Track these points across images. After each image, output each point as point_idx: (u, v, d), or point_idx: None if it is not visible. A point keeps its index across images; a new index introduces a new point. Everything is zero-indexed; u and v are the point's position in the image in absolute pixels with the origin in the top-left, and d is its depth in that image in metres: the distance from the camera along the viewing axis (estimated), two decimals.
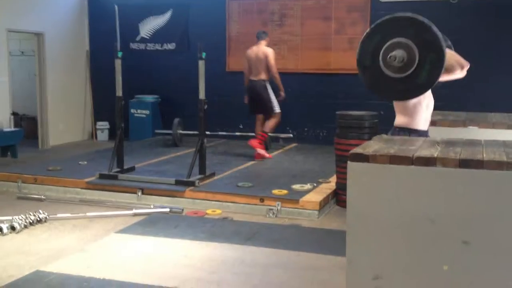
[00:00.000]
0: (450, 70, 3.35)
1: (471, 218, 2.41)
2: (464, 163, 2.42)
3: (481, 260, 2.41)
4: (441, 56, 2.95)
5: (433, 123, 4.38)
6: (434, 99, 3.85)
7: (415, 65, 2.97)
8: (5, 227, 4.93)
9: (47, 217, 5.31)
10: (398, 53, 2.96)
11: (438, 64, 2.96)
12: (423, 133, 3.64)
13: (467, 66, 3.47)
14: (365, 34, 3.13)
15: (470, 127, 4.26)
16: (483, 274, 2.41)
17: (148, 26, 10.09)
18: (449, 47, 3.89)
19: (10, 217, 5.14)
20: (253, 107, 8.08)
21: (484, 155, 2.51)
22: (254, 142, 7.77)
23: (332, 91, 9.07)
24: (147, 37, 10.13)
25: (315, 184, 6.16)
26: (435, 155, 2.51)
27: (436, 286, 2.49)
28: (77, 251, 4.51)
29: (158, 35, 10.04)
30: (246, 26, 9.57)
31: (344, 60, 8.98)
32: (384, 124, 7.56)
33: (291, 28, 9.35)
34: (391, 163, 2.54)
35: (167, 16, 9.97)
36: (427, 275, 2.50)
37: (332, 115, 6.58)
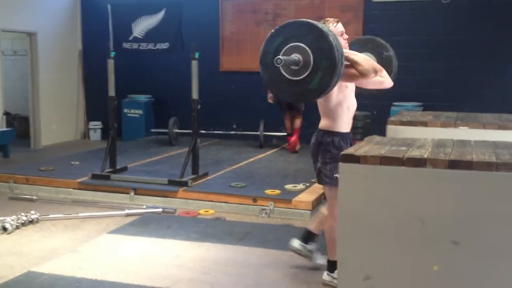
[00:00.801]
0: (364, 75, 3.44)
1: (461, 219, 2.43)
2: (454, 164, 2.44)
3: (471, 260, 2.43)
4: (333, 65, 3.03)
5: (424, 123, 4.41)
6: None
7: (309, 70, 3.06)
8: None
9: (39, 217, 5.30)
10: (295, 56, 3.06)
11: (330, 71, 3.04)
12: (346, 135, 3.71)
13: (380, 71, 3.57)
14: (269, 34, 3.24)
15: (461, 127, 4.28)
16: (473, 274, 2.43)
17: (141, 26, 10.07)
18: (388, 57, 4.08)
19: (1, 218, 5.12)
20: (287, 105, 8.34)
21: (474, 156, 2.53)
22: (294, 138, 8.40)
23: None
24: (140, 37, 10.10)
25: (307, 184, 6.17)
26: (425, 156, 2.52)
27: (427, 286, 2.51)
28: (69, 251, 4.50)
29: (151, 35, 10.02)
30: (240, 26, 9.57)
31: None
32: (377, 124, 7.62)
33: None
34: (382, 164, 2.56)
35: (160, 15, 9.95)
36: (418, 275, 2.52)
37: None
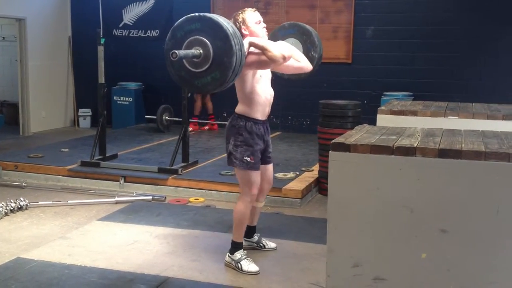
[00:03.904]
0: (274, 61, 3.59)
1: (449, 207, 2.45)
2: (443, 153, 2.46)
3: (458, 248, 2.45)
4: (230, 59, 3.10)
5: (414, 113, 4.43)
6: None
7: (208, 64, 3.14)
8: None
9: (28, 204, 5.28)
10: (196, 50, 3.13)
11: (226, 67, 3.12)
12: (259, 122, 3.85)
13: (289, 58, 3.68)
14: (175, 24, 3.31)
15: (450, 117, 4.30)
16: (460, 262, 2.46)
17: (132, 13, 9.96)
18: (312, 57, 4.28)
19: None
20: None
21: (463, 145, 2.54)
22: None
23: (316, 80, 9.06)
24: (131, 24, 10.00)
25: (297, 173, 6.19)
26: (415, 145, 2.54)
27: (414, 274, 2.53)
28: (59, 238, 4.49)
29: (142, 22, 9.91)
30: (231, 14, 9.45)
31: (328, 49, 8.95)
32: (367, 113, 7.64)
33: (276, 16, 9.30)
34: (372, 152, 2.57)
35: (151, 2, 9.84)
36: (406, 263, 2.54)
37: (315, 104, 6.61)
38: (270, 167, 4.16)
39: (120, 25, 10.06)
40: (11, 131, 9.50)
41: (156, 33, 9.83)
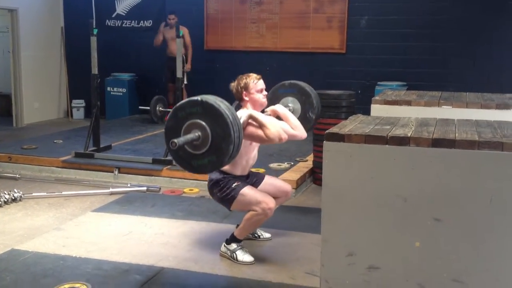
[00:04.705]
0: (270, 139, 3.64)
1: (443, 196, 2.46)
2: (437, 143, 2.46)
3: (452, 236, 2.46)
4: (227, 147, 3.12)
5: (408, 102, 4.44)
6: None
7: (206, 147, 3.15)
8: None
9: (22, 196, 5.27)
10: (195, 133, 3.15)
11: (224, 153, 3.13)
12: (240, 177, 3.89)
13: (284, 139, 3.71)
14: (172, 110, 3.32)
15: (444, 106, 4.31)
16: (454, 250, 2.47)
17: (125, 3, 9.92)
18: (310, 118, 4.31)
19: None
20: (171, 78, 8.61)
21: (457, 135, 2.55)
22: None
23: (310, 70, 9.07)
24: (123, 14, 9.96)
25: (292, 163, 6.20)
26: (409, 135, 2.55)
27: (408, 262, 2.55)
28: (53, 229, 4.49)
29: (135, 12, 9.88)
30: (224, 5, 9.47)
31: (323, 39, 8.97)
32: (361, 103, 7.65)
33: (269, 6, 9.28)
34: (366, 142, 2.57)
35: None
36: (400, 252, 2.55)
37: None
38: (268, 179, 4.17)
39: (113, 16, 10.02)
40: (4, 123, 9.45)
41: (149, 23, 9.80)
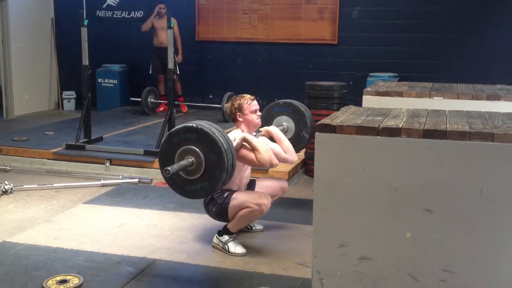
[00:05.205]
0: (261, 163, 3.72)
1: (434, 187, 2.47)
2: (428, 134, 2.47)
3: (442, 227, 2.48)
4: (221, 174, 3.20)
5: (399, 94, 4.45)
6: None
7: (200, 173, 3.22)
8: None
9: (13, 188, 5.24)
10: (188, 159, 3.21)
11: (217, 180, 3.21)
12: (233, 192, 3.88)
13: (275, 164, 3.81)
14: (167, 135, 3.36)
15: (436, 98, 4.33)
16: (444, 240, 2.49)
17: None
18: (303, 138, 4.44)
19: None
20: (162, 69, 8.60)
21: (448, 126, 2.56)
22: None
23: (302, 61, 9.06)
24: (114, 5, 9.89)
25: None
26: (400, 126, 2.55)
27: (400, 253, 2.56)
28: (44, 222, 4.47)
29: (125, 3, 9.81)
30: (216, 2, 9.42)
31: (314, 30, 8.95)
32: (353, 94, 7.66)
33: None
34: (358, 133, 2.58)
35: None
36: (391, 242, 2.57)
37: (302, 85, 6.60)
38: (262, 182, 4.20)
39: (104, 6, 9.95)
40: None
41: (140, 14, 9.74)
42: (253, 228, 4.30)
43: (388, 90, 4.57)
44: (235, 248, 3.87)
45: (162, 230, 4.32)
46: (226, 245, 3.88)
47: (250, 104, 3.93)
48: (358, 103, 4.29)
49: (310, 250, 2.73)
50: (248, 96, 3.98)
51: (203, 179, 3.21)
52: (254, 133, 4.04)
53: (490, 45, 8.23)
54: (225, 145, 3.18)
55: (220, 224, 4.04)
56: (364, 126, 2.58)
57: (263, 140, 4.00)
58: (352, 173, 2.58)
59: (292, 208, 4.90)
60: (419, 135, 2.48)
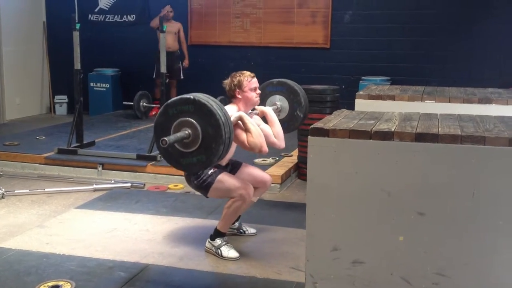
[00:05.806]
0: (251, 146, 3.66)
1: (426, 190, 2.48)
2: (420, 137, 2.48)
3: (435, 230, 2.48)
4: (218, 146, 3.12)
5: (391, 97, 4.46)
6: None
7: (197, 146, 3.13)
8: None
9: (4, 193, 5.21)
10: (185, 131, 3.12)
11: (214, 152, 3.13)
12: (217, 165, 3.84)
13: (265, 152, 3.73)
14: (163, 106, 3.26)
15: (428, 101, 4.34)
16: (437, 244, 2.49)
17: None
18: (297, 117, 4.39)
19: None
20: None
21: (440, 129, 2.57)
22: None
23: (294, 64, 9.08)
24: (106, 9, 9.87)
25: (277, 158, 6.20)
26: (393, 129, 2.56)
27: (392, 256, 2.56)
28: (36, 227, 4.44)
29: (118, 7, 9.80)
30: (208, 2, 9.43)
31: (307, 34, 8.98)
32: (345, 98, 7.67)
33: (253, 1, 9.25)
34: (351, 137, 2.58)
35: None
36: (384, 246, 2.57)
37: None
38: (246, 169, 4.15)
39: (96, 10, 9.94)
40: None
41: (133, 18, 9.73)
42: (246, 232, 4.29)
43: (381, 93, 4.59)
44: (228, 252, 3.86)
45: (155, 234, 4.30)
46: (219, 250, 3.87)
47: (250, 81, 3.85)
48: (351, 106, 4.29)
49: (303, 254, 2.72)
50: (248, 73, 3.90)
51: (200, 152, 3.12)
52: (250, 111, 3.97)
53: (481, 48, 8.27)
54: (223, 118, 3.10)
55: (212, 228, 4.02)
56: (357, 130, 2.58)
57: (256, 120, 3.94)
58: (345, 177, 2.58)
59: (285, 212, 4.90)
60: (411, 138, 2.49)
